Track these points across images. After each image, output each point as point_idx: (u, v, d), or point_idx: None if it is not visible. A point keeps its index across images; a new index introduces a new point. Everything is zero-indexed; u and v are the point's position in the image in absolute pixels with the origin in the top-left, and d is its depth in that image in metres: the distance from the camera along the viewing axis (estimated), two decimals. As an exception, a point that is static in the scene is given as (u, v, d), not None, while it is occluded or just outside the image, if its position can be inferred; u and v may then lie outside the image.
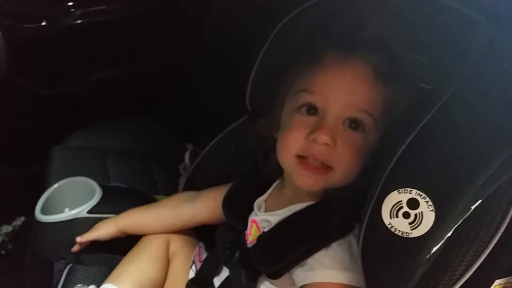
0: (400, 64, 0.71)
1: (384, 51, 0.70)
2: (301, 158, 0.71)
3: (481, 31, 0.61)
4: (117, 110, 1.55)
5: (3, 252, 1.36)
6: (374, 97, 0.69)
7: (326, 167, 0.69)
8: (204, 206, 0.95)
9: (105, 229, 0.98)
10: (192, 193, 1.00)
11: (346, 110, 0.69)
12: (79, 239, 0.97)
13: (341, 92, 0.69)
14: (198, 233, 1.00)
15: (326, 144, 0.67)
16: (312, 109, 0.71)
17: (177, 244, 0.98)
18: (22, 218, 1.44)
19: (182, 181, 1.24)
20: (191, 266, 0.94)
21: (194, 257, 0.95)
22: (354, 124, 0.69)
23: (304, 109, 0.72)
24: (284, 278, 0.72)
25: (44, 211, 0.98)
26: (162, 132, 1.57)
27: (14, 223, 1.43)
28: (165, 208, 1.01)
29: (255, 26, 0.98)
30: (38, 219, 0.96)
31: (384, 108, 0.70)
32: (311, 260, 0.68)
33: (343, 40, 0.74)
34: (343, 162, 0.69)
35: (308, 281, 0.68)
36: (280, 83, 0.80)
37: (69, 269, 0.99)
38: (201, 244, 0.99)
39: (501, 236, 0.58)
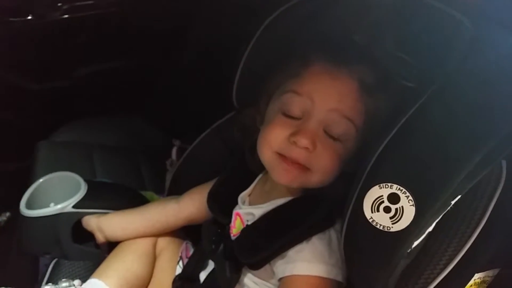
0: (386, 73, 0.72)
1: (372, 59, 0.72)
2: (280, 155, 0.72)
3: (464, 32, 0.62)
4: (104, 106, 1.54)
5: (-13, 247, 1.35)
6: (358, 109, 0.71)
7: (304, 167, 0.71)
8: (189, 200, 0.95)
9: (86, 220, 0.97)
10: (177, 196, 0.99)
11: (330, 115, 0.70)
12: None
13: (327, 97, 0.70)
14: (185, 230, 1.00)
15: (306, 148, 0.68)
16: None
17: (164, 240, 0.98)
18: (8, 214, 1.42)
19: (168, 177, 1.24)
20: (178, 262, 0.94)
21: (181, 253, 0.96)
22: (333, 138, 0.70)
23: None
24: (265, 270, 0.73)
25: (29, 206, 0.97)
26: (149, 128, 1.57)
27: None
28: (149, 206, 1.01)
29: (241, 24, 0.98)
30: (23, 214, 0.96)
31: (366, 118, 0.71)
32: (292, 253, 0.70)
33: (332, 46, 0.75)
34: (321, 166, 0.70)
35: (287, 273, 0.69)
36: (267, 79, 0.80)
37: (54, 264, 0.98)
38: (188, 240, 1.00)
39: (481, 231, 0.59)
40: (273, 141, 0.72)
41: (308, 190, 0.75)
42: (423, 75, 0.67)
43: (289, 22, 0.84)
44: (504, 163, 0.60)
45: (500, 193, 0.59)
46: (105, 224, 0.96)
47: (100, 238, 0.96)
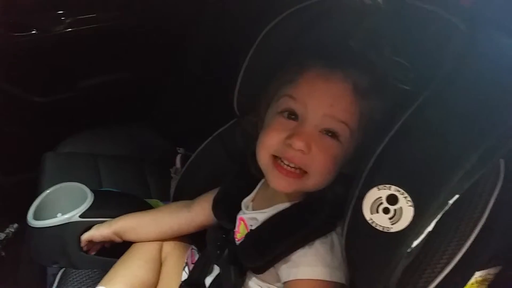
0: (381, 77, 0.73)
1: (367, 63, 0.73)
2: (276, 159, 0.74)
3: (458, 34, 0.63)
4: (108, 116, 1.55)
5: (-4, 259, 1.36)
6: (352, 111, 0.72)
7: (300, 171, 0.72)
8: (201, 209, 0.96)
9: (100, 231, 0.98)
10: (187, 201, 1.01)
11: (325, 120, 0.71)
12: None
13: (321, 103, 0.72)
14: (190, 235, 1.01)
15: (301, 150, 0.70)
16: (293, 114, 0.74)
17: (170, 246, 0.99)
18: (15, 225, 1.43)
19: (173, 184, 1.26)
20: (184, 267, 0.95)
21: (187, 259, 0.97)
22: (331, 133, 0.72)
23: (285, 113, 0.74)
24: (270, 273, 0.75)
25: (36, 217, 0.98)
26: (153, 136, 1.58)
27: (7, 230, 1.42)
28: (162, 212, 1.03)
29: (243, 33, 0.99)
30: (31, 225, 0.97)
31: (361, 121, 0.72)
32: (295, 257, 0.72)
33: (327, 52, 0.77)
34: (316, 168, 0.71)
35: (291, 278, 0.71)
36: (266, 86, 0.82)
37: (62, 273, 0.99)
38: (193, 246, 1.01)
39: (480, 230, 0.59)
40: (269, 143, 0.74)
41: (309, 194, 0.76)
42: (420, 78, 0.68)
43: (287, 31, 0.86)
44: (502, 162, 0.61)
45: (499, 192, 0.60)
46: (118, 225, 0.98)
47: (117, 240, 0.98)
